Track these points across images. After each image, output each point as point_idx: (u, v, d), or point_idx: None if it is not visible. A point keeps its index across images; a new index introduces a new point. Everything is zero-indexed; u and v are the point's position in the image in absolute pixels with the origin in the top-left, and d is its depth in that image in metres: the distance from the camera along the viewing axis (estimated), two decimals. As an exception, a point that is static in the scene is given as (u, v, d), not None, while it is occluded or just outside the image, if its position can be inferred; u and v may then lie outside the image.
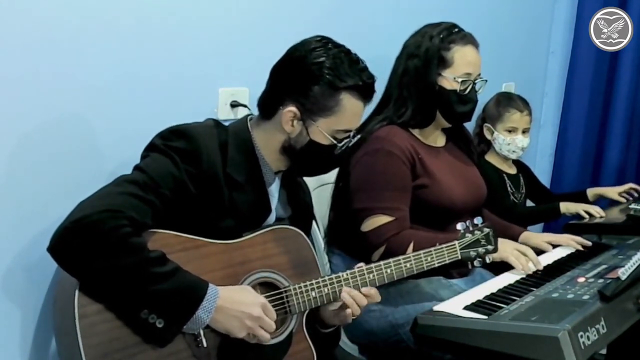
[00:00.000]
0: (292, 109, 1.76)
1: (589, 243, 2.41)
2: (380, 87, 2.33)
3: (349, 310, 1.80)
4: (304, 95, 1.75)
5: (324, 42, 1.79)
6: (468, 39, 2.30)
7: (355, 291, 1.80)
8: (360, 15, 2.68)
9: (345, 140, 1.84)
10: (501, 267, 2.21)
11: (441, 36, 2.27)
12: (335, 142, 1.81)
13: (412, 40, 2.33)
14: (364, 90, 1.79)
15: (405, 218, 2.19)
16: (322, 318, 1.87)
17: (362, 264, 1.85)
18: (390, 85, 2.34)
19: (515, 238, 2.44)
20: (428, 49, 2.26)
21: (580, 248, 2.40)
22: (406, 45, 2.34)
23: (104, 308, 1.54)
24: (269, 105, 1.81)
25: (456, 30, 2.30)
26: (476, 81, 2.32)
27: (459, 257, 1.98)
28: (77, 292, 1.52)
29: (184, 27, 2.10)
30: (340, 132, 1.81)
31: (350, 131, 1.84)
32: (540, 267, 2.17)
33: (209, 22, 2.17)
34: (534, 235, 2.48)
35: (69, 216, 1.52)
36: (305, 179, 2.05)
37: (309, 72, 1.75)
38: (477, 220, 2.04)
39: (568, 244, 2.42)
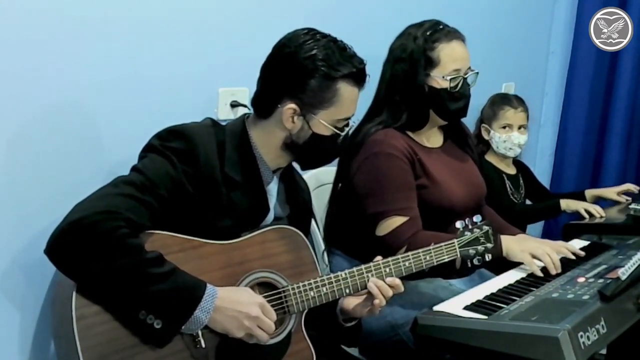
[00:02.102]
0: (291, 105, 1.76)
1: (582, 253, 2.31)
2: (373, 88, 2.33)
3: (376, 301, 1.79)
4: (301, 90, 1.75)
5: (312, 33, 1.79)
6: (452, 35, 2.27)
7: (381, 282, 1.80)
8: (360, 15, 2.68)
9: (347, 128, 1.85)
10: (501, 266, 2.21)
11: (425, 36, 2.24)
12: (337, 131, 1.82)
13: (397, 43, 2.30)
14: (358, 76, 1.80)
15: (417, 216, 2.19)
16: (348, 311, 1.87)
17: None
18: (380, 90, 2.32)
19: None
20: (413, 51, 2.24)
21: (572, 257, 2.29)
22: (392, 48, 2.32)
23: (101, 309, 1.53)
24: (265, 104, 1.80)
25: (440, 27, 2.27)
26: (467, 75, 2.30)
27: (458, 256, 1.97)
28: (74, 294, 1.51)
29: (184, 27, 2.10)
30: (340, 121, 1.82)
31: (349, 118, 1.84)
32: (559, 270, 2.14)
33: (209, 22, 2.17)
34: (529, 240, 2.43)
35: (66, 218, 1.52)
36: (305, 178, 2.05)
37: (303, 67, 1.74)
38: (477, 218, 2.03)
39: (559, 251, 2.30)
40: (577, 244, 2.42)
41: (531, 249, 2.17)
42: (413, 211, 2.18)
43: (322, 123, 1.79)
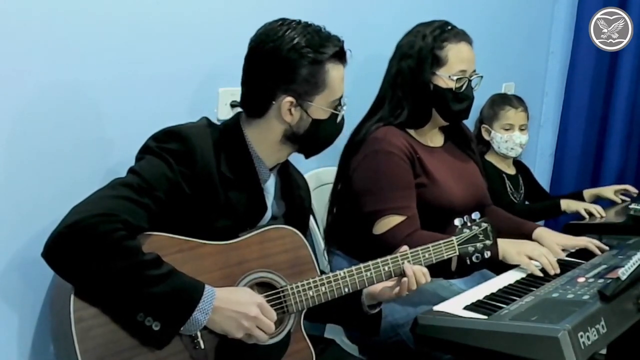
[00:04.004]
0: (288, 99, 1.75)
1: (607, 248, 2.34)
2: (375, 87, 2.33)
3: (405, 281, 1.82)
4: (293, 82, 1.75)
5: (286, 23, 1.78)
6: (461, 36, 2.29)
7: (416, 266, 1.84)
8: (362, 14, 2.68)
9: (344, 107, 1.85)
10: (501, 266, 2.21)
11: (434, 35, 2.26)
12: (335, 111, 1.82)
13: (405, 40, 2.32)
14: (341, 54, 1.80)
15: (415, 216, 2.19)
16: (374, 295, 1.88)
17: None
18: (384, 86, 2.34)
19: (528, 235, 2.39)
20: (421, 49, 2.26)
21: (599, 253, 2.32)
22: (399, 45, 2.33)
23: (99, 312, 1.53)
24: (258, 103, 1.80)
25: (449, 27, 2.29)
26: (471, 77, 2.31)
27: (457, 253, 1.97)
28: (72, 296, 1.51)
29: (184, 27, 2.10)
30: (335, 101, 1.82)
31: (341, 98, 1.84)
32: (557, 271, 2.15)
33: (209, 21, 2.17)
34: (549, 234, 2.38)
35: (63, 221, 1.52)
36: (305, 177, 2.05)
37: (289, 59, 1.73)
38: (475, 215, 2.02)
39: (586, 246, 2.34)
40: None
41: (528, 251, 2.17)
42: (411, 210, 2.17)
43: (320, 108, 1.79)
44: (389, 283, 1.86)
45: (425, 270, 1.86)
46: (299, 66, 1.73)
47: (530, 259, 2.16)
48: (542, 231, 2.40)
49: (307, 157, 1.94)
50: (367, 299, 1.90)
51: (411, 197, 2.20)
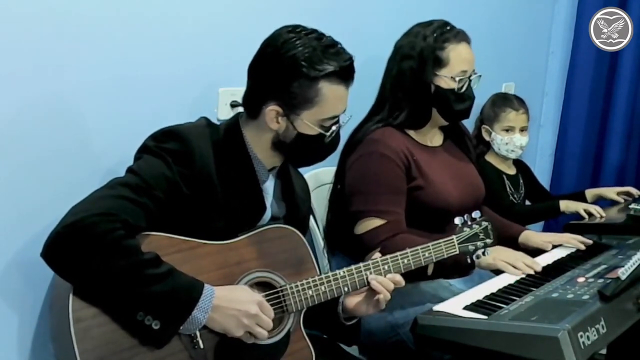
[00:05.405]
0: (274, 107, 1.74)
1: (590, 242, 2.39)
2: (373, 88, 2.33)
3: (381, 297, 1.79)
4: (283, 91, 1.73)
5: (297, 31, 1.75)
6: (461, 36, 2.29)
7: (381, 277, 1.80)
8: (362, 15, 2.68)
9: (334, 127, 1.81)
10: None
11: (435, 35, 2.25)
12: (323, 131, 1.79)
13: (405, 41, 2.31)
14: (343, 74, 1.75)
15: (398, 221, 2.18)
16: (350, 310, 1.85)
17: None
18: (384, 87, 2.33)
19: (515, 237, 2.45)
20: (423, 50, 2.25)
21: (582, 247, 2.37)
22: (399, 46, 2.32)
23: (99, 311, 1.53)
24: (252, 105, 1.79)
25: (448, 28, 2.29)
26: (471, 77, 2.31)
27: (457, 252, 1.96)
28: (71, 296, 1.51)
29: (184, 27, 2.10)
30: (326, 120, 1.78)
31: (337, 117, 1.81)
32: (538, 269, 2.16)
33: (209, 21, 2.17)
34: (534, 234, 2.47)
35: (62, 220, 1.52)
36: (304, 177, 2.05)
37: (285, 68, 1.72)
38: (476, 214, 2.02)
39: (569, 242, 2.40)
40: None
41: (503, 257, 2.18)
42: (393, 215, 2.17)
43: (307, 124, 1.76)
44: (360, 297, 1.84)
45: (398, 277, 1.82)
46: (291, 77, 1.71)
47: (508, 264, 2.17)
48: (528, 233, 2.46)
49: (295, 167, 1.94)
50: (343, 313, 1.88)
51: (397, 203, 2.20)
